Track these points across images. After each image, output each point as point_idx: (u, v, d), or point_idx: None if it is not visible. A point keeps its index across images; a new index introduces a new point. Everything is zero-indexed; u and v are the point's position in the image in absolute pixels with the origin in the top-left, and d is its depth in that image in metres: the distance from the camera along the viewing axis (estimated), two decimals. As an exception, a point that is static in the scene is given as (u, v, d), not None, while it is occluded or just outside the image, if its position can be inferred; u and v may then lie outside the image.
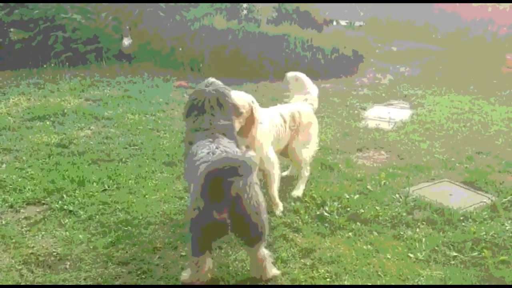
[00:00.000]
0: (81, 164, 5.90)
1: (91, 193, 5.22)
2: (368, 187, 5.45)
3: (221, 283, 3.64)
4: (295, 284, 3.94)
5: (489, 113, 8.18)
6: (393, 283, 3.92)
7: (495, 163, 6.17)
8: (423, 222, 4.78)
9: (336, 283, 3.91)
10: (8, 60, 10.21)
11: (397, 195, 5.26)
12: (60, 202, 5.03)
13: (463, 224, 4.77)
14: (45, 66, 10.34)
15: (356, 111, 8.15)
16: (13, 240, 4.42)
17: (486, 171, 5.92)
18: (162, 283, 3.90)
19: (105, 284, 3.89)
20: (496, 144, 6.85)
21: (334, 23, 14.15)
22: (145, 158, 6.15)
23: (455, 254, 4.31)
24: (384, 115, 7.96)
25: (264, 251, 3.86)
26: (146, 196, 5.21)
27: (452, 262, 4.22)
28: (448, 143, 6.84)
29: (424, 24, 14.59)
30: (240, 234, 3.78)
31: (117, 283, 3.90)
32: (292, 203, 5.07)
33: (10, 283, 3.87)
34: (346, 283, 3.92)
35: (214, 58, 10.22)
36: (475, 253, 4.31)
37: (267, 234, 3.85)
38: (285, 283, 3.95)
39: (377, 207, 4.99)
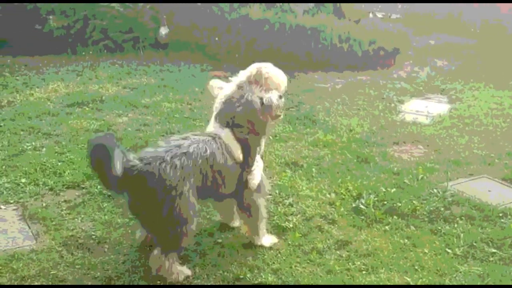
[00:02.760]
0: (119, 150, 5.97)
1: (128, 178, 5.29)
2: (405, 181, 5.38)
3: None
4: (330, 275, 3.93)
5: (530, 108, 7.97)
6: (430, 278, 3.88)
7: (537, 160, 6.03)
8: (462, 218, 4.71)
9: (373, 276, 3.89)
10: (47, 46, 10.37)
11: (435, 190, 5.19)
12: (99, 186, 5.11)
13: (502, 220, 4.68)
14: (83, 53, 10.49)
15: (392, 104, 8.04)
16: (53, 222, 4.53)
17: (526, 167, 5.79)
18: (198, 269, 3.94)
19: (142, 266, 3.95)
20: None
21: (371, 15, 13.95)
22: (181, 146, 6.19)
23: (494, 250, 4.24)
24: (422, 109, 7.84)
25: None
26: (182, 183, 5.25)
27: (491, 258, 4.15)
28: (487, 138, 6.70)
29: (462, 17, 14.26)
30: None
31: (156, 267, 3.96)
32: (328, 195, 5.05)
33: (50, 264, 3.97)
34: (382, 276, 3.90)
35: (250, 49, 10.21)
36: (515, 251, 4.23)
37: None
38: (321, 274, 3.94)
39: (414, 201, 4.93)
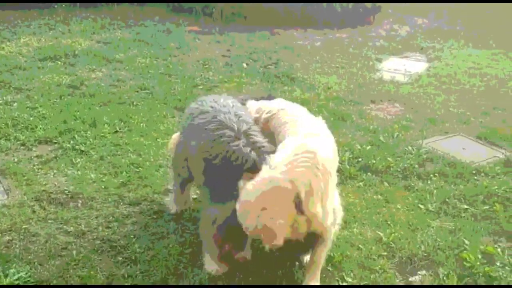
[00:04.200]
0: (92, 106, 5.87)
1: (102, 134, 5.21)
2: (381, 138, 5.39)
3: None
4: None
5: (507, 68, 8.00)
6: (402, 233, 3.92)
7: (511, 119, 6.08)
8: (435, 175, 4.75)
9: (346, 231, 3.91)
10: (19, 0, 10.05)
11: (409, 147, 5.21)
12: (71, 142, 5.03)
13: (475, 178, 4.74)
14: (55, 6, 10.17)
15: (371, 63, 8.00)
16: (25, 177, 4.45)
17: (501, 126, 5.84)
18: (173, 223, 3.92)
19: (116, 221, 3.92)
20: (512, 100, 6.73)
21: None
22: (157, 102, 6.10)
23: (466, 207, 4.30)
24: (400, 68, 7.82)
25: None
26: (158, 140, 5.19)
27: (463, 214, 4.21)
28: (464, 97, 6.73)
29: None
30: None
31: (128, 222, 3.93)
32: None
33: (22, 218, 3.91)
34: (355, 231, 3.93)
35: (228, 5, 10.00)
36: (487, 207, 4.29)
37: None
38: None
39: (389, 158, 4.95)
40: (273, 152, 3.21)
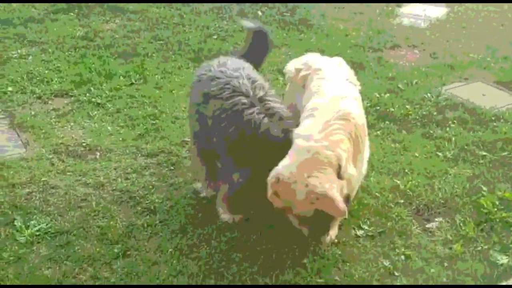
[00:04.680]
0: (107, 58, 5.84)
1: (118, 86, 5.21)
2: (399, 85, 5.30)
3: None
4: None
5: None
6: (419, 180, 3.90)
7: (533, 64, 5.92)
8: (454, 122, 4.68)
9: (363, 181, 3.89)
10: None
11: (428, 94, 5.13)
12: (87, 94, 5.03)
13: (494, 124, 4.66)
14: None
15: (390, 8, 7.77)
16: (43, 131, 4.49)
17: (522, 71, 5.69)
18: (190, 175, 3.95)
19: (134, 173, 3.96)
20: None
21: None
22: (171, 53, 6.05)
23: (484, 153, 4.25)
24: (420, 13, 7.58)
25: None
26: (173, 91, 5.18)
27: (481, 161, 4.16)
28: (484, 42, 6.54)
29: None
30: None
31: (146, 173, 3.97)
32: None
33: (41, 171, 3.97)
34: (372, 179, 3.91)
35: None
36: (505, 153, 4.24)
37: None
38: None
39: (407, 106, 4.88)
40: (289, 118, 3.16)
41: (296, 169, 2.83)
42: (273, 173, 2.89)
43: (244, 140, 3.14)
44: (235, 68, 3.42)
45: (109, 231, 3.39)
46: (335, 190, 2.82)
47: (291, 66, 3.80)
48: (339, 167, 2.89)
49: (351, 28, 6.93)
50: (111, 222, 3.47)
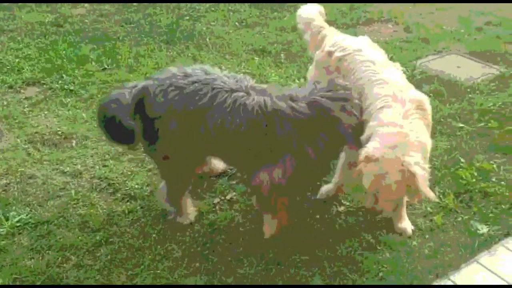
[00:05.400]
0: (78, 43, 5.72)
1: (90, 72, 5.11)
2: (374, 60, 5.30)
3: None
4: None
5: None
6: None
7: (505, 34, 5.97)
8: (430, 95, 4.67)
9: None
10: None
11: (404, 68, 5.12)
12: (60, 81, 4.93)
13: (470, 95, 4.71)
14: None
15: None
16: (17, 120, 4.39)
17: (495, 42, 5.74)
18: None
19: (112, 159, 3.91)
20: (508, 13, 6.57)
21: None
22: (143, 36, 5.95)
23: (461, 125, 4.29)
24: (391, -13, 7.58)
25: None
26: (147, 75, 5.08)
27: (458, 133, 4.21)
28: (457, 13, 6.57)
29: None
30: None
31: (124, 159, 3.92)
32: (297, 80, 4.97)
33: (17, 161, 3.89)
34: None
35: None
36: (482, 124, 4.30)
37: None
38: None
39: (383, 81, 4.88)
40: (283, 96, 2.95)
41: (391, 149, 2.74)
42: (363, 153, 2.79)
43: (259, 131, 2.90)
44: (203, 72, 3.06)
45: (90, 219, 3.36)
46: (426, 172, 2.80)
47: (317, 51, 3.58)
48: (426, 152, 2.87)
49: (324, 4, 6.88)
50: (92, 210, 3.43)
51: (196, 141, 3.00)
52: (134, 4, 6.85)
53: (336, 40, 3.48)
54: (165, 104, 2.93)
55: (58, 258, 3.09)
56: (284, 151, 2.91)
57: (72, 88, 4.84)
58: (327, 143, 2.92)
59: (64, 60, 5.31)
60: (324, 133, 2.91)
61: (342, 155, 3.34)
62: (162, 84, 2.97)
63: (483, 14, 6.54)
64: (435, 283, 2.95)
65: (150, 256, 3.10)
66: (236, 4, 6.90)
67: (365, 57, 3.26)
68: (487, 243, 3.19)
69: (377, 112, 2.93)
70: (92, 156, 3.97)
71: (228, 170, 3.79)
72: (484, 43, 5.72)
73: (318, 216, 3.41)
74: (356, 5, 6.87)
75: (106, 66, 5.23)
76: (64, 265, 3.06)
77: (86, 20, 6.37)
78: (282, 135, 2.87)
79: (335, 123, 2.91)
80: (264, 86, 3.10)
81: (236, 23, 6.35)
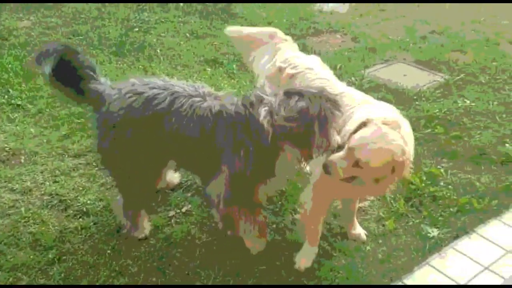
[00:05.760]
0: (24, 57, 5.56)
1: (38, 86, 4.97)
2: (324, 71, 5.40)
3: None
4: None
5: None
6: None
7: (449, 42, 6.21)
8: (379, 103, 4.83)
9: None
10: None
11: (352, 78, 5.26)
12: (6, 96, 4.79)
13: (416, 102, 4.87)
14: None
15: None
16: (-40, 138, 4.23)
17: (439, 50, 5.96)
18: (122, 172, 3.85)
19: (62, 175, 3.81)
20: (451, 22, 6.84)
21: None
22: (91, 49, 5.85)
23: (409, 132, 4.41)
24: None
25: None
26: (97, 87, 5.01)
27: (407, 139, 4.32)
28: (402, 24, 6.79)
29: None
30: None
31: (75, 174, 3.83)
32: (250, 91, 5.00)
33: (-38, 180, 3.74)
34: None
35: None
36: (429, 130, 4.44)
37: None
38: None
39: (333, 90, 4.98)
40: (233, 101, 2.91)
41: (382, 135, 2.68)
42: (356, 140, 2.68)
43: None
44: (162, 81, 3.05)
45: (41, 237, 3.26)
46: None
47: (267, 65, 3.54)
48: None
49: (273, 15, 7.00)
50: (43, 228, 3.33)
51: (153, 148, 2.96)
52: (82, 16, 6.75)
53: (285, 56, 3.46)
54: (121, 112, 2.89)
55: (9, 279, 2.98)
56: (222, 157, 2.86)
57: (19, 102, 4.70)
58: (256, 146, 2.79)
59: (10, 74, 5.16)
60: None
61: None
62: (119, 92, 2.94)
63: (427, 23, 6.78)
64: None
65: (105, 273, 3.04)
66: (186, 15, 6.90)
67: (318, 75, 3.23)
68: (438, 245, 3.29)
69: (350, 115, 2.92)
70: (42, 172, 3.86)
71: (182, 182, 3.78)
72: (429, 51, 5.93)
73: (274, 226, 3.44)
74: (305, 16, 7.00)
75: (54, 80, 5.10)
76: (16, 285, 2.96)
77: (32, 33, 6.22)
78: (220, 140, 2.84)
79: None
80: (221, 93, 3.08)
81: (187, 34, 6.35)
